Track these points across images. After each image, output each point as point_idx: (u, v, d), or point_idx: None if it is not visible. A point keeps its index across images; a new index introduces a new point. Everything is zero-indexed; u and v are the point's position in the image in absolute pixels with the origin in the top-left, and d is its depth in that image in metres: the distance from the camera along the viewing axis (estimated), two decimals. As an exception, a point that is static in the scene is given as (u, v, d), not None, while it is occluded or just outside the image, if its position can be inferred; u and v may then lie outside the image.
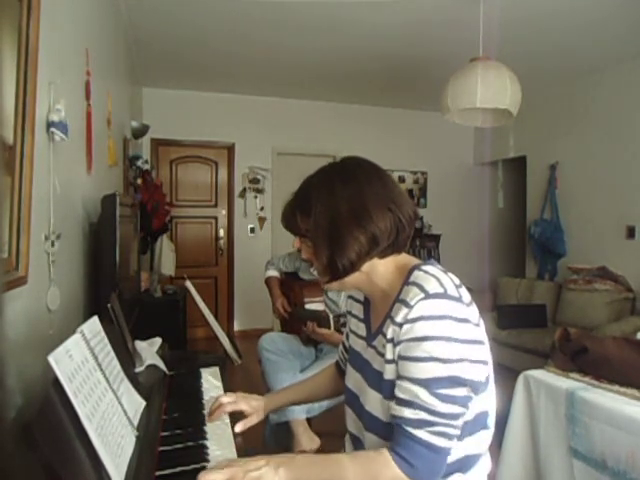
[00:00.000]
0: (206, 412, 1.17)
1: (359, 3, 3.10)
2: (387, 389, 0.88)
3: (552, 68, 4.32)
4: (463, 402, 0.82)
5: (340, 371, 1.20)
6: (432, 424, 0.79)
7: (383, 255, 0.92)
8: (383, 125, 5.75)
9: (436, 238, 5.69)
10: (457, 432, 0.83)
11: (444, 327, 0.80)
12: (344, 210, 0.87)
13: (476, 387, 0.85)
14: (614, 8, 3.11)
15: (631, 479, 1.43)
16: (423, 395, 0.80)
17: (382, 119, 5.76)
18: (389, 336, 0.87)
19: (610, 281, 3.97)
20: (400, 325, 0.84)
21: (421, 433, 0.80)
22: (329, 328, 2.09)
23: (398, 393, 0.83)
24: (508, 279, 4.93)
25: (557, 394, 1.71)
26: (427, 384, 0.80)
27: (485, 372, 0.87)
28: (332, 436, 1.83)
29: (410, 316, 0.82)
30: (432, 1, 3.07)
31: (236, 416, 1.13)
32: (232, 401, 1.13)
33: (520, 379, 1.87)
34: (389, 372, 0.87)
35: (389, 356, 0.87)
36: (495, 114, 3.23)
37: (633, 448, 1.43)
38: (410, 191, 5.86)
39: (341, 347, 1.20)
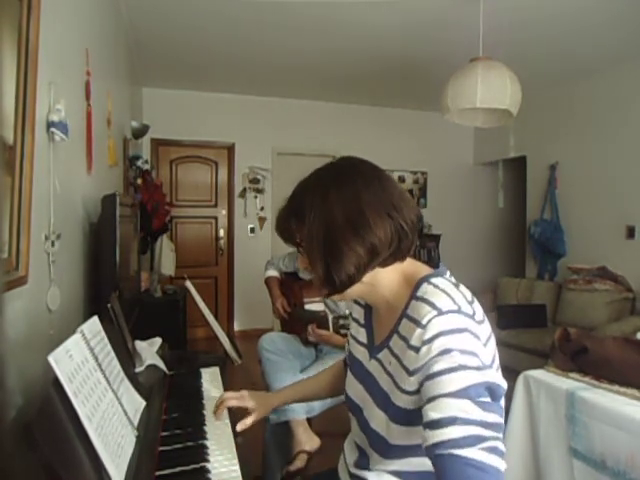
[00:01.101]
0: (206, 412, 1.17)
1: (359, 3, 3.09)
2: (394, 413, 0.83)
3: (552, 68, 4.32)
4: (500, 411, 0.74)
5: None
6: (483, 439, 0.68)
7: (384, 264, 0.85)
8: (383, 125, 5.75)
9: (436, 238, 5.69)
10: (504, 449, 0.72)
11: (465, 340, 0.74)
12: (339, 218, 0.80)
13: (502, 395, 0.78)
14: (614, 9, 3.11)
15: (631, 479, 1.43)
16: (467, 406, 0.69)
17: (382, 119, 5.76)
18: (405, 363, 0.81)
19: (610, 281, 3.97)
20: (417, 349, 0.77)
21: (474, 452, 0.66)
22: (328, 329, 2.09)
23: (433, 415, 0.70)
24: (508, 279, 4.93)
25: (557, 394, 1.71)
26: (467, 394, 0.70)
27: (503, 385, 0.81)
28: (332, 436, 1.83)
29: (426, 336, 0.75)
30: (432, 1, 3.07)
31: (236, 416, 1.13)
32: (236, 396, 1.13)
33: (520, 379, 1.87)
34: (400, 400, 0.82)
35: (408, 387, 0.80)
36: (495, 114, 3.23)
37: (633, 448, 1.43)
38: (410, 191, 5.86)
39: (348, 346, 1.14)
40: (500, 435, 0.71)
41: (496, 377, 0.75)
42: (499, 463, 0.68)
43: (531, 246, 5.09)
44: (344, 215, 0.81)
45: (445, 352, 0.73)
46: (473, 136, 6.09)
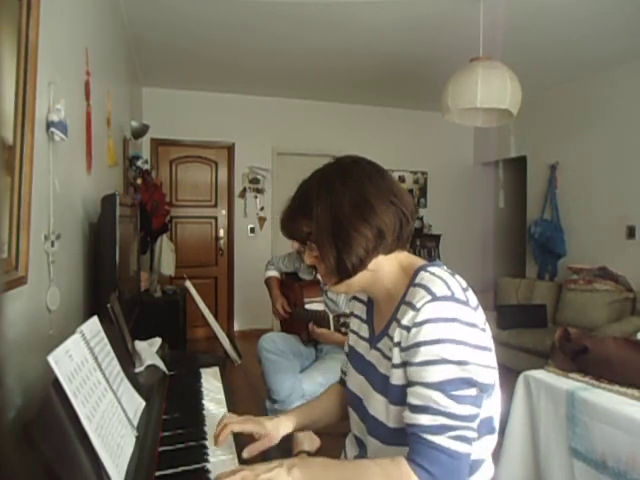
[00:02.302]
0: (206, 412, 1.17)
1: (359, 3, 3.09)
2: (393, 394, 0.86)
3: (552, 68, 4.32)
4: (478, 403, 0.81)
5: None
6: (451, 428, 0.76)
7: (389, 251, 0.90)
8: (383, 125, 5.75)
9: (436, 238, 5.69)
10: (475, 435, 0.80)
11: (452, 330, 0.78)
12: (346, 206, 0.86)
13: (486, 389, 0.83)
14: (615, 8, 3.11)
15: (631, 479, 1.43)
16: (439, 399, 0.77)
17: (382, 119, 5.75)
18: (396, 339, 0.85)
19: (610, 281, 3.97)
20: (407, 329, 0.82)
21: (441, 439, 0.76)
22: (329, 328, 2.09)
23: (412, 400, 0.80)
24: (508, 279, 4.93)
25: (557, 394, 1.71)
26: (441, 387, 0.77)
27: (493, 376, 0.86)
28: (332, 436, 1.82)
29: (417, 319, 0.80)
30: (432, 1, 3.07)
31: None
32: (240, 421, 1.00)
33: (520, 379, 1.87)
34: (396, 377, 0.85)
35: (396, 360, 0.85)
36: (495, 114, 3.23)
37: (633, 448, 1.43)
38: (410, 191, 5.85)
39: (347, 342, 1.11)
40: (471, 424, 0.79)
41: (475, 373, 0.79)
42: (465, 449, 0.77)
43: (531, 246, 5.09)
44: (350, 204, 0.86)
45: (431, 342, 0.78)
46: (473, 136, 6.09)
